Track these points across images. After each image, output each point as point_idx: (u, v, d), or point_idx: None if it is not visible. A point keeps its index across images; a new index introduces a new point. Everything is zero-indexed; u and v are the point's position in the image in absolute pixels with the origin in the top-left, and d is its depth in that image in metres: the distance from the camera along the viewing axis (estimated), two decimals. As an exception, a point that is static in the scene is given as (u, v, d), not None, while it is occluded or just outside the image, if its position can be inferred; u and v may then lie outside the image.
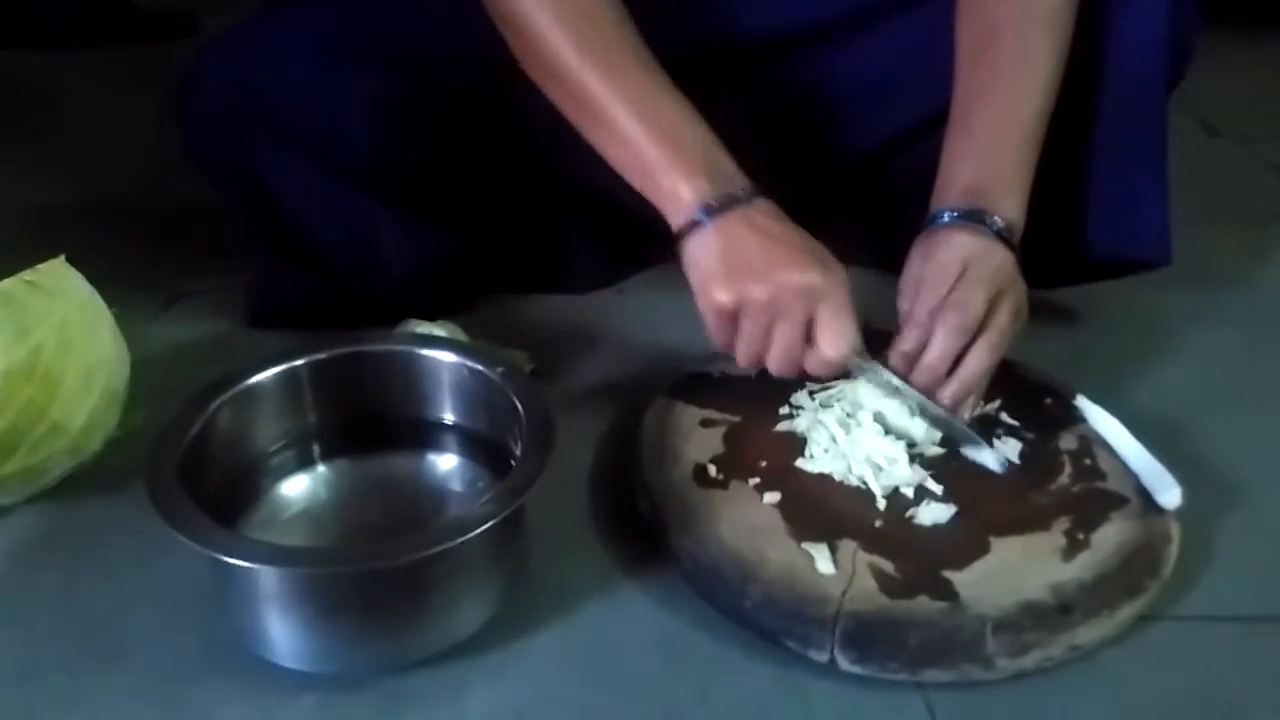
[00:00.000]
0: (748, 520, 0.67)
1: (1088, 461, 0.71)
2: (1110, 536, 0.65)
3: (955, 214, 0.72)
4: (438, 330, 0.81)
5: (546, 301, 0.97)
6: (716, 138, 0.72)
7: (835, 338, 0.68)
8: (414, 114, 0.86)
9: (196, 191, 0.94)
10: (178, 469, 0.59)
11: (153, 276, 0.99)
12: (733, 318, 0.70)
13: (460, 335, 0.83)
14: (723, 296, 0.69)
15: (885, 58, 0.89)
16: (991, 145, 0.74)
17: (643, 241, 0.94)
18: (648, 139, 0.71)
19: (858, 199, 0.96)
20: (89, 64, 1.55)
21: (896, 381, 0.71)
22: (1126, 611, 0.62)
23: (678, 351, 0.87)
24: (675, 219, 0.71)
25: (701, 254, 0.70)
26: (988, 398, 0.75)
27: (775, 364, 0.70)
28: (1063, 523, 0.66)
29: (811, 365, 0.70)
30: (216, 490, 0.63)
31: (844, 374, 0.73)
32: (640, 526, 0.70)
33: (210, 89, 0.84)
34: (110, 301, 0.76)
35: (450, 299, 0.93)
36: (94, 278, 0.76)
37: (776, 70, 0.90)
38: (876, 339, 0.72)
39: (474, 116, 0.88)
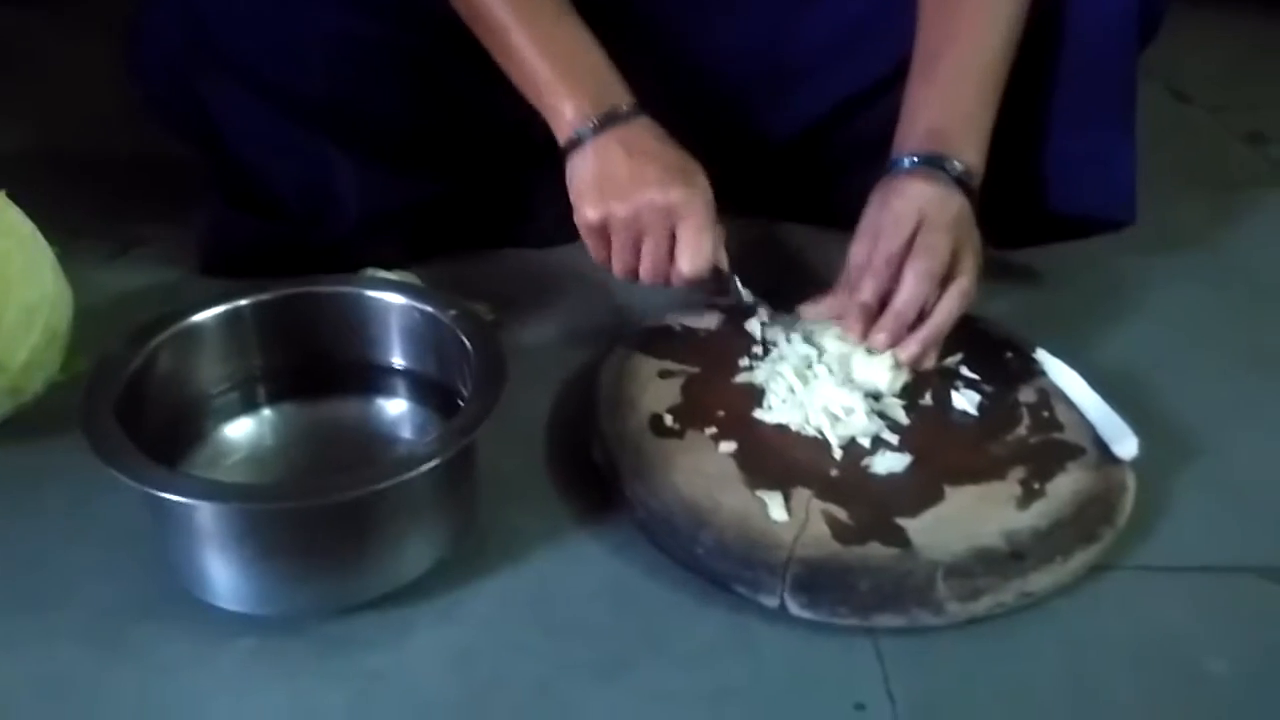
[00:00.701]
0: (702, 468, 0.66)
1: (1046, 414, 0.71)
2: (1066, 486, 0.64)
3: (915, 159, 0.72)
4: (392, 278, 0.79)
5: (508, 254, 0.95)
6: (605, 56, 0.75)
7: (691, 254, 0.72)
8: (372, 57, 0.83)
9: (153, 140, 0.92)
10: (114, 406, 0.57)
11: (105, 224, 0.97)
12: (603, 233, 0.73)
13: (416, 284, 0.81)
14: (590, 213, 0.72)
15: (843, 17, 0.87)
16: (953, 91, 0.74)
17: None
18: (541, 60, 0.74)
19: (808, 163, 0.95)
20: (44, 15, 1.51)
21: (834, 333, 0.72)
22: (1080, 559, 0.61)
23: (639, 305, 0.86)
24: (561, 136, 0.74)
25: (577, 171, 0.73)
26: (949, 351, 0.74)
27: (645, 275, 0.74)
28: (1018, 472, 0.65)
29: (674, 279, 0.74)
30: (157, 430, 0.61)
31: (718, 289, 0.77)
32: (595, 475, 0.69)
33: (161, 29, 0.82)
34: (61, 249, 0.74)
35: (410, 249, 0.91)
36: (45, 225, 0.74)
37: (735, 31, 0.89)
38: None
39: (435, 61, 0.86)
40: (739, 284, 0.76)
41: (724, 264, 0.74)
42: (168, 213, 0.97)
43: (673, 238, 0.72)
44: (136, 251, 0.95)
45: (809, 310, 0.74)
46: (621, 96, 0.74)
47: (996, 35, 0.75)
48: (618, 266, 0.74)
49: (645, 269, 0.73)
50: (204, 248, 0.90)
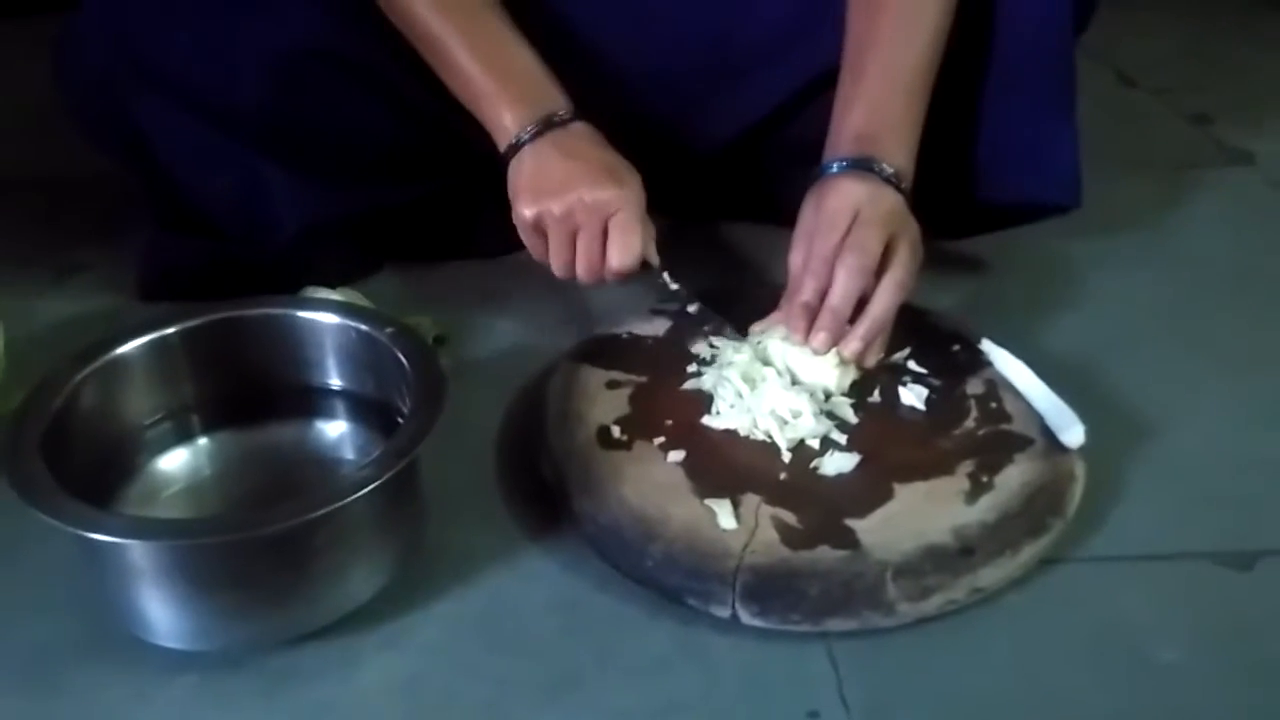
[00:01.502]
0: (651, 479, 0.65)
1: (994, 405, 0.70)
2: (1014, 477, 0.64)
3: (845, 163, 0.72)
4: (337, 298, 0.78)
5: (454, 267, 0.94)
6: (542, 64, 0.77)
7: (620, 249, 0.74)
8: (306, 71, 0.81)
9: (90, 164, 0.90)
10: (39, 445, 0.56)
11: (41, 251, 0.95)
12: (540, 231, 0.75)
13: (362, 302, 0.80)
14: (525, 211, 0.74)
15: (778, 16, 0.87)
16: (880, 94, 0.74)
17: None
18: (479, 71, 0.76)
19: (755, 161, 0.94)
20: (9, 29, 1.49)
21: (779, 336, 0.72)
22: (1029, 551, 0.61)
23: (588, 315, 0.85)
24: (501, 144, 0.76)
25: (515, 174, 0.75)
26: (896, 345, 0.74)
27: (580, 271, 0.75)
28: (967, 466, 0.65)
29: (605, 274, 0.75)
30: (87, 467, 0.60)
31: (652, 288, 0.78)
32: (545, 491, 0.68)
33: (88, 41, 0.80)
34: (-6, 279, 0.73)
35: (353, 266, 0.90)
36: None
37: (672, 28, 0.88)
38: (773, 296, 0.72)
39: (370, 73, 0.85)
40: (668, 278, 0.77)
41: (653, 259, 0.76)
42: (107, 237, 0.96)
43: (605, 234, 0.74)
44: (75, 278, 0.93)
45: (758, 326, 0.74)
46: (558, 103, 0.76)
47: (920, 36, 0.75)
48: (554, 263, 0.76)
49: (580, 264, 0.75)
50: (142, 272, 0.89)
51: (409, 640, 0.59)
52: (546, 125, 0.75)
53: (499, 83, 0.76)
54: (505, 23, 0.78)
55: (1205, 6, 1.59)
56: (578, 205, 0.73)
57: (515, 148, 0.75)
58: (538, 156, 0.74)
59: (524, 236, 0.77)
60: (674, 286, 0.77)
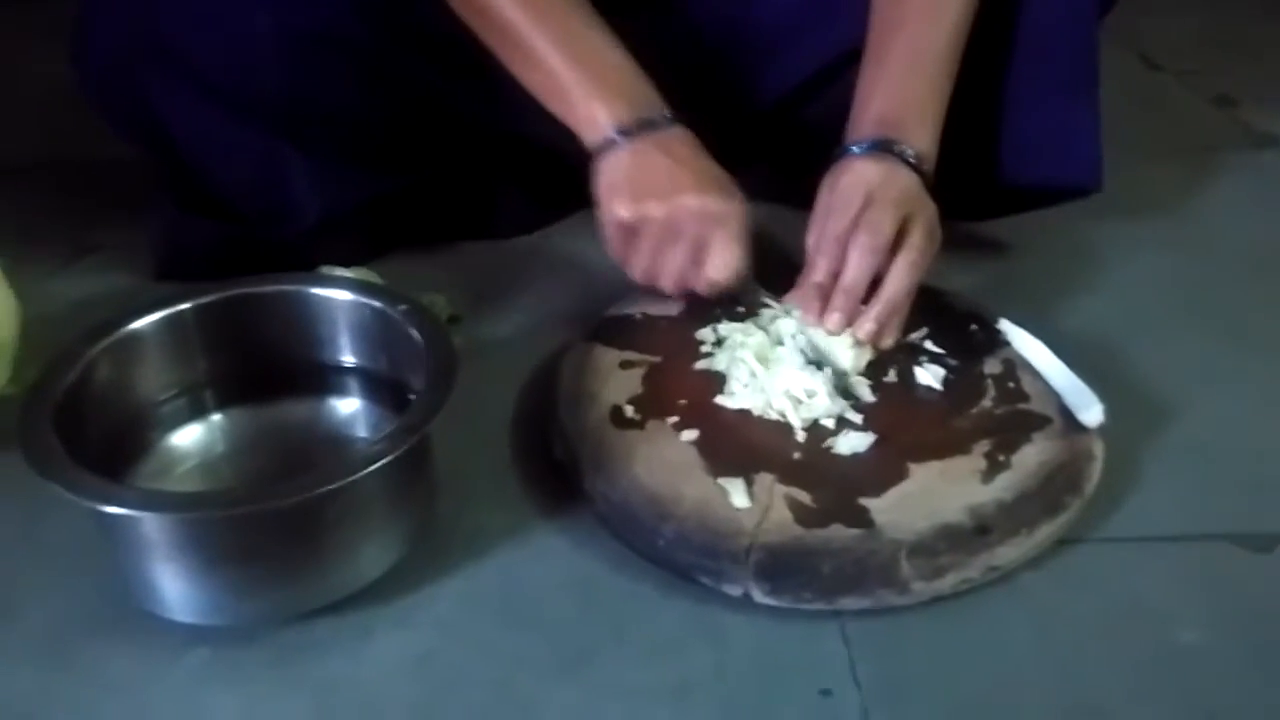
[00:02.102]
0: (664, 458, 0.65)
1: (1011, 385, 0.70)
2: (1031, 457, 0.63)
3: (865, 145, 0.72)
4: (351, 276, 0.78)
5: (469, 247, 0.94)
6: (637, 64, 0.73)
7: (722, 262, 0.71)
8: (322, 52, 0.81)
9: (105, 143, 0.90)
10: (53, 419, 0.56)
11: (57, 231, 0.95)
12: (631, 233, 0.72)
13: (376, 281, 0.80)
14: (623, 211, 0.71)
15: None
16: (903, 76, 0.74)
17: (568, 185, 0.91)
18: (567, 65, 0.72)
19: (776, 143, 0.94)
20: (13, 14, 1.49)
21: (794, 316, 0.71)
22: (1046, 531, 0.60)
23: (603, 295, 0.84)
24: (591, 139, 0.72)
25: (611, 171, 0.72)
26: (913, 326, 0.73)
27: (666, 280, 0.73)
28: (983, 445, 0.64)
29: (698, 284, 0.73)
30: (101, 442, 0.60)
31: (737, 302, 0.75)
32: (558, 470, 0.68)
33: (106, 28, 0.80)
34: (12, 257, 0.73)
35: (369, 246, 0.90)
36: (-5, 233, 0.73)
37: (691, 9, 0.87)
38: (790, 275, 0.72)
39: (388, 55, 0.84)
40: (764, 295, 0.75)
41: (750, 278, 0.74)
42: (121, 217, 0.95)
43: (701, 246, 0.71)
44: (90, 258, 0.93)
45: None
46: (658, 104, 0.73)
47: (946, 20, 0.74)
48: (639, 269, 0.73)
49: (668, 274, 0.73)
50: (158, 252, 0.89)
51: (421, 616, 0.59)
52: (649, 125, 0.71)
53: (592, 77, 0.72)
54: (594, 17, 0.74)
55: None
56: (680, 212, 0.70)
57: (610, 144, 0.71)
58: (640, 156, 0.71)
59: (610, 236, 0.73)
60: (772, 302, 0.74)
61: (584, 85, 0.72)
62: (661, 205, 0.70)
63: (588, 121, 0.72)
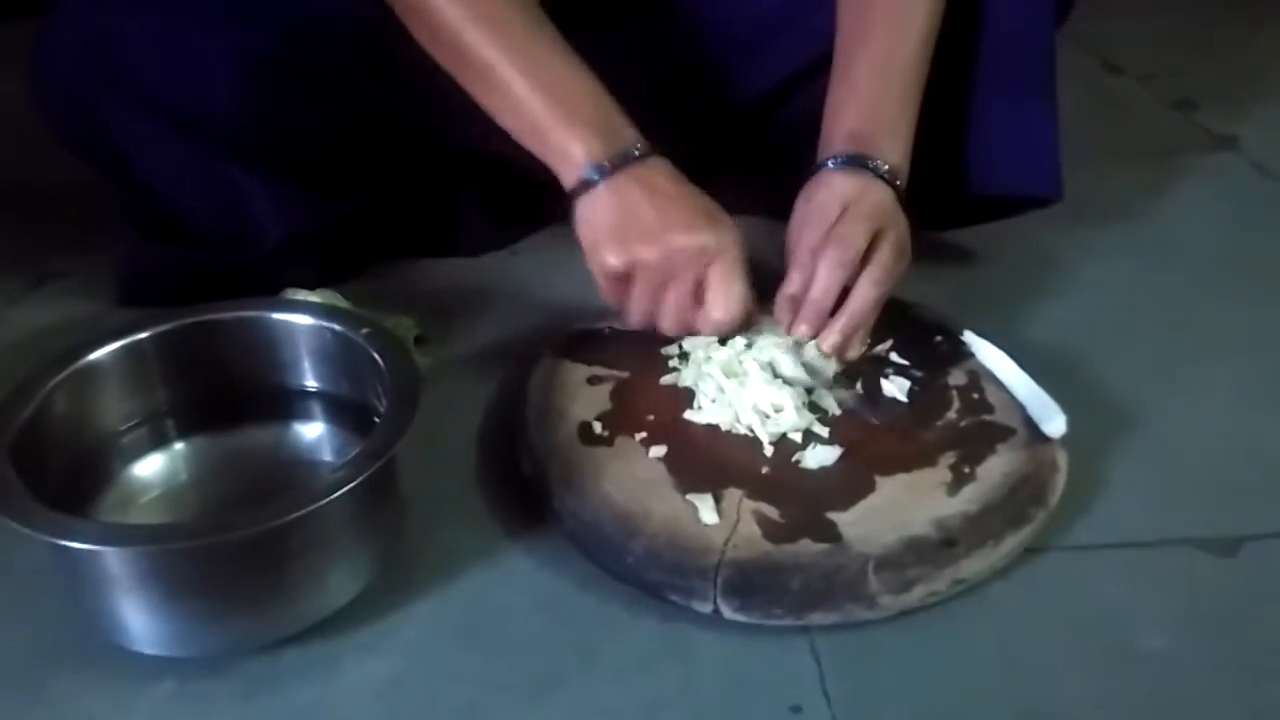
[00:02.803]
0: (632, 475, 0.65)
1: (976, 396, 0.70)
2: (996, 468, 0.64)
3: (839, 160, 0.72)
4: (315, 299, 0.77)
5: (436, 266, 0.94)
6: (610, 95, 0.71)
7: (725, 300, 0.69)
8: (281, 77, 0.81)
9: (68, 169, 0.89)
10: (10, 453, 0.55)
11: (18, 258, 0.94)
12: (624, 279, 0.69)
13: (341, 303, 0.79)
14: (613, 260, 0.68)
15: (772, 2, 0.87)
16: (872, 91, 0.74)
17: (534, 201, 0.91)
18: (538, 98, 0.69)
19: (750, 146, 0.94)
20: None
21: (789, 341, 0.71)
22: (1011, 542, 0.61)
23: (572, 311, 0.84)
24: (568, 178, 0.70)
25: (593, 214, 0.69)
26: (879, 338, 0.73)
27: (667, 324, 0.71)
28: (949, 457, 0.65)
29: (703, 326, 0.70)
30: (61, 476, 0.59)
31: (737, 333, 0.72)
32: (526, 488, 0.68)
33: (60, 52, 0.79)
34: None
35: (334, 267, 0.89)
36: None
37: (662, 14, 0.88)
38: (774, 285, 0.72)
39: (344, 78, 0.84)
40: (767, 321, 0.72)
41: (753, 308, 0.71)
42: (84, 243, 0.95)
43: (699, 284, 0.69)
44: (52, 285, 0.92)
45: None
46: (632, 136, 0.70)
47: (912, 32, 0.75)
48: (637, 314, 0.71)
49: (668, 314, 0.70)
50: (121, 278, 0.88)
51: (389, 642, 0.59)
52: (624, 159, 0.68)
53: (563, 110, 0.69)
54: (561, 45, 0.71)
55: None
56: (674, 253, 0.67)
57: (587, 184, 0.68)
58: (620, 195, 0.68)
59: (603, 282, 0.71)
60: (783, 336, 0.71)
61: (555, 119, 0.69)
62: (652, 248, 0.67)
63: (562, 158, 0.69)
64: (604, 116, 0.70)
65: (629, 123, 0.70)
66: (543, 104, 0.69)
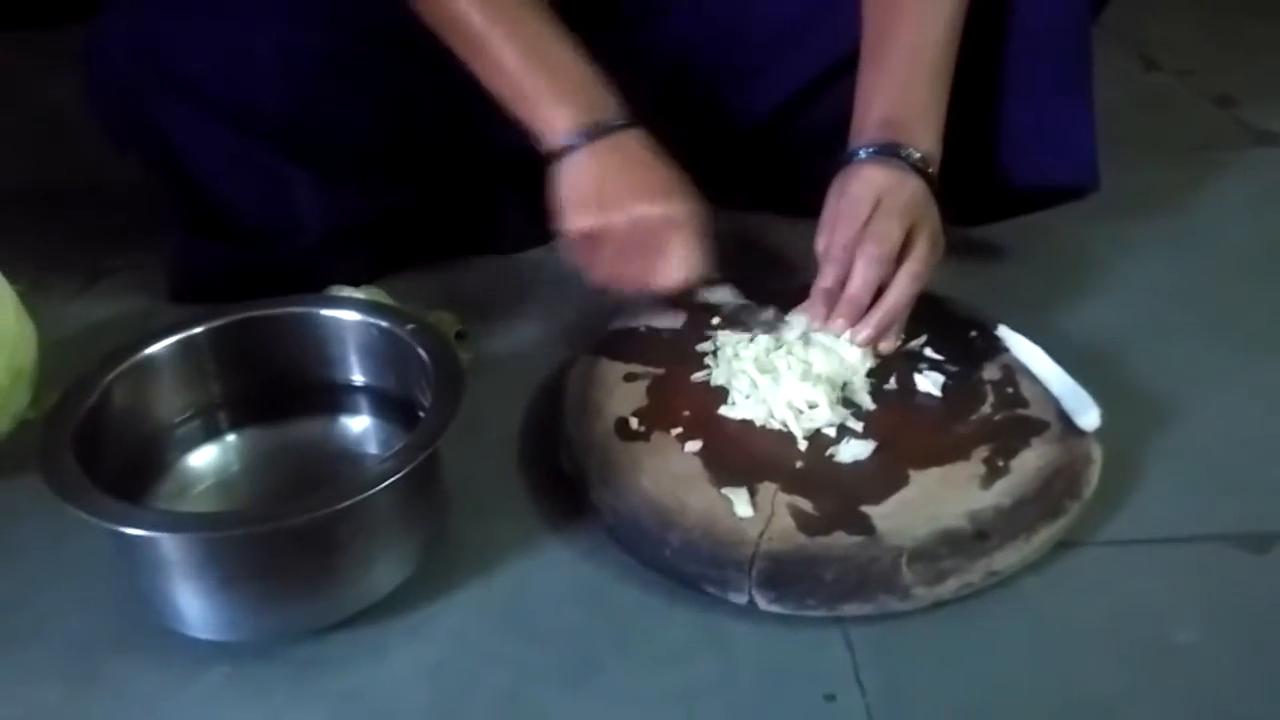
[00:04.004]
0: (669, 469, 0.66)
1: (1010, 390, 0.71)
2: (1030, 461, 0.64)
3: (871, 149, 0.72)
4: (360, 295, 0.79)
5: (477, 263, 0.95)
6: (595, 67, 0.74)
7: (681, 263, 0.72)
8: (326, 72, 0.83)
9: (117, 168, 0.92)
10: (72, 444, 0.57)
11: (72, 256, 0.97)
12: (592, 242, 0.73)
13: (385, 300, 0.81)
14: (583, 221, 0.72)
15: (790, 2, 0.87)
16: (902, 78, 0.75)
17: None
18: (525, 67, 0.73)
19: (777, 149, 0.95)
20: (10, 44, 1.51)
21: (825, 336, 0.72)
22: (1045, 534, 0.61)
23: (608, 309, 0.85)
24: (550, 143, 0.73)
25: (569, 177, 0.72)
26: (914, 333, 0.74)
27: (630, 284, 0.74)
28: (982, 451, 0.65)
29: (662, 282, 0.74)
30: (119, 465, 0.61)
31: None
32: (565, 482, 0.69)
33: (112, 51, 0.81)
34: (28, 283, 0.75)
35: (377, 264, 0.91)
36: (11, 260, 0.74)
37: (685, 18, 0.88)
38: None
39: (391, 73, 0.86)
40: (730, 291, 0.76)
41: (711, 278, 0.75)
42: (135, 241, 0.97)
43: (661, 251, 0.72)
44: (105, 282, 0.95)
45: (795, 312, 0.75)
46: (612, 107, 0.73)
47: (940, 19, 0.75)
48: (600, 274, 0.74)
49: (629, 276, 0.73)
50: (171, 275, 0.90)
51: (433, 628, 0.61)
52: (604, 129, 0.72)
53: (548, 81, 0.73)
54: (551, 20, 0.75)
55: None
56: (641, 219, 0.71)
57: (567, 149, 0.72)
58: (595, 163, 0.71)
59: (570, 245, 0.74)
60: (737, 300, 0.76)
61: (542, 87, 0.73)
62: (622, 214, 0.71)
63: (546, 124, 0.73)
64: (588, 87, 0.73)
65: (612, 94, 0.74)
66: (529, 73, 0.73)
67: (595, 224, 0.71)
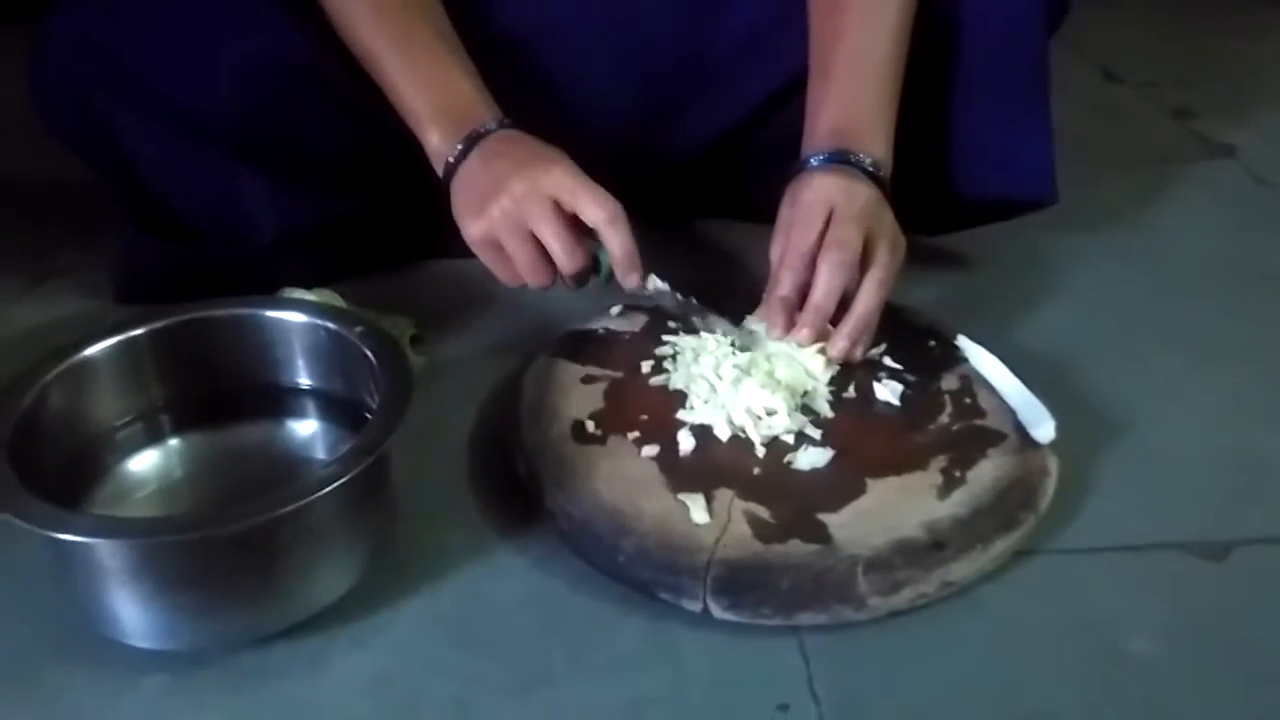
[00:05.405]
0: (625, 474, 0.65)
1: (968, 400, 0.70)
2: (987, 472, 0.64)
3: (822, 157, 0.72)
4: (312, 298, 0.78)
5: (432, 267, 0.94)
6: (474, 78, 0.76)
7: (592, 200, 0.70)
8: (285, 82, 0.81)
9: (66, 167, 0.90)
10: (7, 447, 0.55)
11: (17, 257, 0.95)
12: (495, 245, 0.72)
13: (337, 302, 0.80)
14: (474, 229, 0.72)
15: (752, 20, 0.87)
16: (850, 86, 0.75)
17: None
18: (408, 88, 0.75)
19: (738, 161, 0.94)
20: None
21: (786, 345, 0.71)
22: (1001, 545, 0.61)
23: (567, 311, 0.85)
24: (435, 165, 0.75)
25: (457, 191, 0.74)
26: (873, 342, 0.73)
27: (559, 258, 0.71)
28: (940, 461, 0.65)
29: (591, 216, 0.70)
30: (56, 469, 0.60)
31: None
32: (518, 487, 0.68)
33: (62, 52, 0.79)
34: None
35: (331, 267, 0.90)
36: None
37: (646, 43, 0.88)
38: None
39: (346, 82, 0.84)
40: (656, 279, 0.75)
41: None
42: (84, 240, 0.96)
43: (560, 214, 0.70)
44: (51, 282, 0.93)
45: (751, 319, 0.74)
46: (484, 117, 0.74)
47: (885, 27, 0.75)
48: (523, 267, 0.72)
49: (555, 252, 0.71)
50: (119, 275, 0.88)
51: (379, 638, 0.59)
52: (472, 141, 0.73)
53: (425, 104, 0.75)
54: (439, 34, 0.77)
55: (1188, 2, 1.59)
56: (516, 197, 0.70)
57: (450, 170, 0.74)
58: (467, 173, 0.73)
59: (485, 260, 0.74)
60: (662, 286, 0.75)
61: (419, 111, 0.74)
62: (497, 202, 0.70)
63: (428, 145, 0.75)
64: (460, 102, 0.75)
65: (488, 105, 0.75)
66: (412, 94, 0.75)
67: (483, 225, 0.71)
